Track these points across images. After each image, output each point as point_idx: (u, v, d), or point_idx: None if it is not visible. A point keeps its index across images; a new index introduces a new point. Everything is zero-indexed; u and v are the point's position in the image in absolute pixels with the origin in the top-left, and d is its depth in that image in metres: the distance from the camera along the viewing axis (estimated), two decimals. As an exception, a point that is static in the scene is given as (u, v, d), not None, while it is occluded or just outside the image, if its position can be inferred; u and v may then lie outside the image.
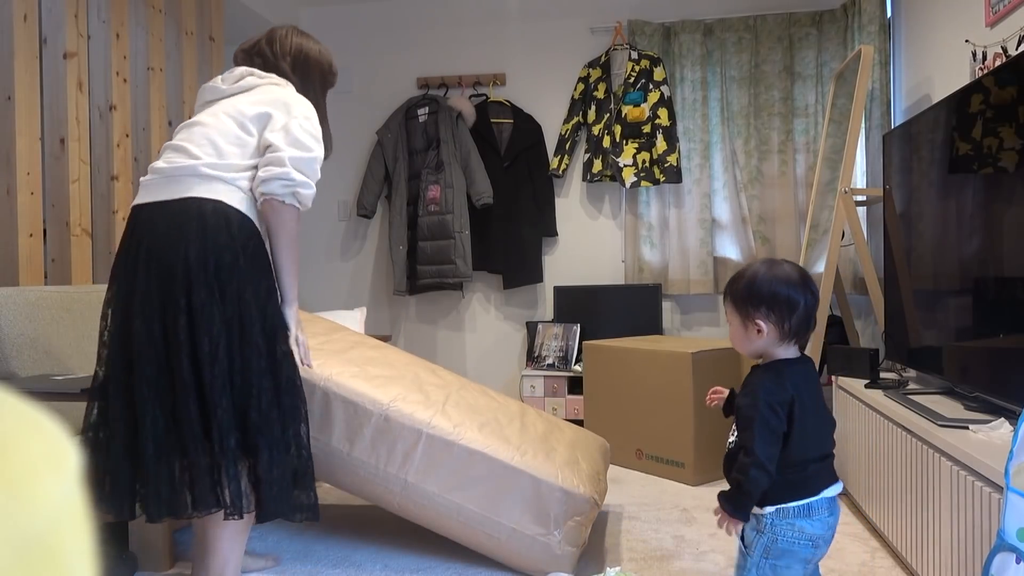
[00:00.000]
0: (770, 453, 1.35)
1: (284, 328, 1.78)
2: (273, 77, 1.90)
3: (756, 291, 1.40)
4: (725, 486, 1.45)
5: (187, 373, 1.62)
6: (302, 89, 1.94)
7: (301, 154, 1.74)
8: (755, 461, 1.34)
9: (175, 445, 1.64)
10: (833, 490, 1.41)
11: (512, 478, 2.09)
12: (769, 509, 1.38)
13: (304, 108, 1.82)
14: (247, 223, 1.73)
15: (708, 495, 2.81)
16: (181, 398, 1.62)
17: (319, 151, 1.79)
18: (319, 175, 1.81)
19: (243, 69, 1.91)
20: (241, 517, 1.68)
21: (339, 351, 2.30)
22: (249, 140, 1.76)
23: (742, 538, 1.44)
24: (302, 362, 1.83)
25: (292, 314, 1.82)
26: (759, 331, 1.40)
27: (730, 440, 1.47)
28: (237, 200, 1.72)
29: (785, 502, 1.38)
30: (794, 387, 1.38)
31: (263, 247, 1.77)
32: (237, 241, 1.68)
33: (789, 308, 1.39)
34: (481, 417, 2.27)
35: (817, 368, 3.20)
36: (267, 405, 1.68)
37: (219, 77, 1.92)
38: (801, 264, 3.56)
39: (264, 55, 1.95)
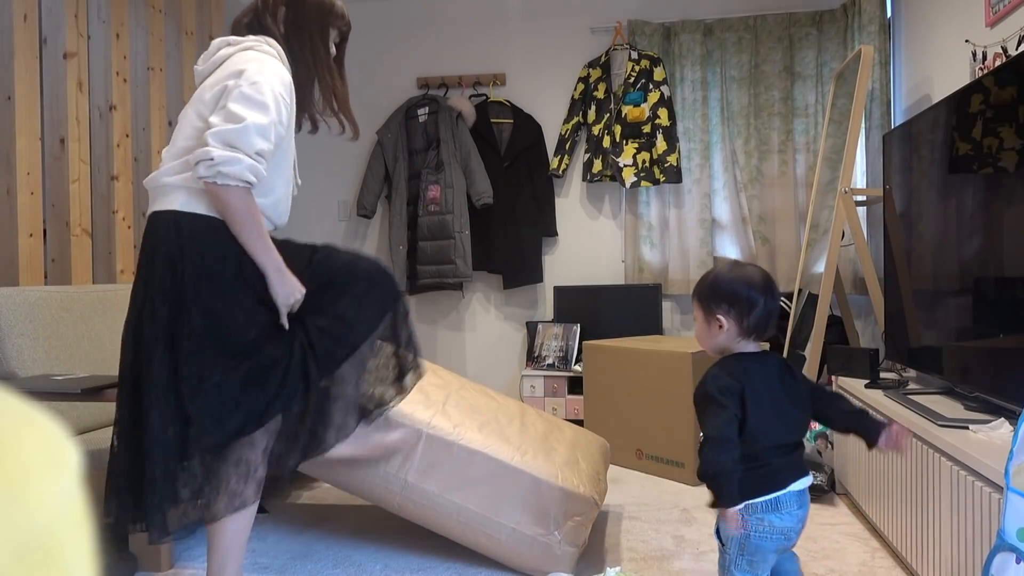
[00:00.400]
0: (727, 435, 1.38)
1: (192, 329, 1.65)
2: (249, 40, 1.74)
3: (719, 289, 1.49)
4: None
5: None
6: (295, 42, 1.79)
7: (228, 126, 1.58)
8: (706, 437, 1.39)
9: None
10: (801, 483, 1.45)
11: (512, 478, 2.09)
12: (739, 505, 1.41)
13: (256, 69, 1.64)
14: (199, 222, 1.66)
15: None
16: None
17: (257, 117, 1.60)
18: (261, 143, 1.61)
19: (218, 41, 1.78)
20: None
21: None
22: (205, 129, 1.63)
23: (718, 534, 1.49)
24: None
25: (275, 283, 1.70)
26: (720, 326, 1.48)
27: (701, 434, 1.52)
28: (191, 203, 1.66)
29: (753, 497, 1.41)
30: (744, 375, 1.43)
31: (216, 242, 1.67)
32: (186, 249, 1.64)
33: (749, 306, 1.46)
34: (481, 417, 2.27)
35: (817, 368, 3.21)
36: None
37: (200, 57, 1.81)
38: (801, 264, 3.56)
39: (256, 9, 1.83)
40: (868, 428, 1.52)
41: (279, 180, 1.81)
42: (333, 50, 1.88)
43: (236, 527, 1.74)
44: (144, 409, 1.65)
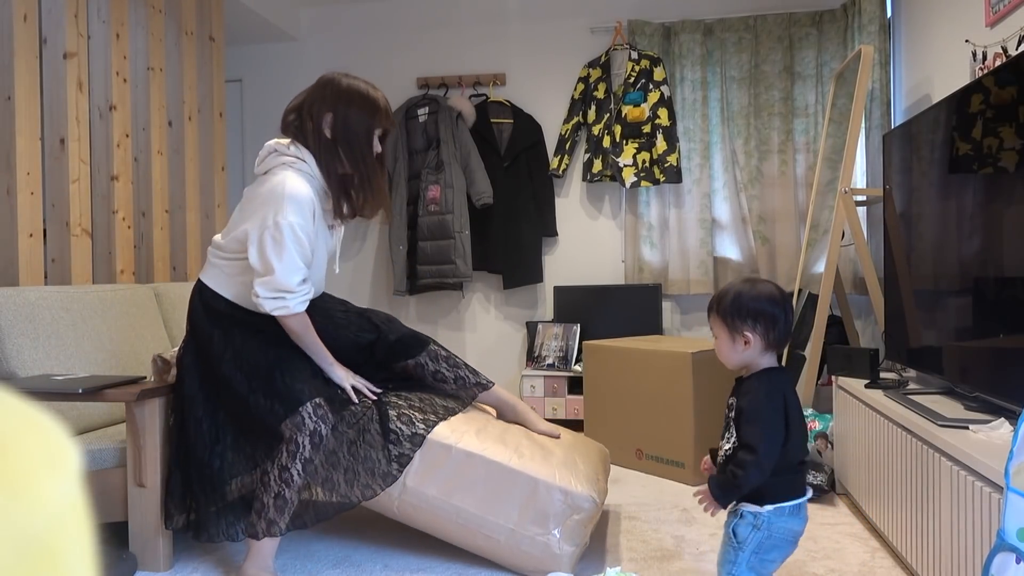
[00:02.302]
0: (773, 456, 1.46)
1: (188, 377, 2.13)
2: (289, 155, 2.04)
3: (743, 306, 1.54)
4: None
5: None
6: (341, 144, 2.03)
7: (265, 277, 1.98)
8: (758, 461, 1.45)
9: None
10: (810, 490, 1.56)
11: (509, 479, 2.09)
12: (768, 508, 1.49)
13: (278, 213, 1.94)
14: (218, 298, 2.11)
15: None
16: None
17: (283, 262, 1.96)
18: (295, 276, 1.99)
19: (268, 146, 2.08)
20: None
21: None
22: (237, 238, 2.06)
23: (735, 533, 1.51)
24: (367, 393, 2.16)
25: (333, 374, 2.12)
26: (747, 342, 1.53)
27: (726, 447, 1.55)
28: (217, 280, 2.12)
29: (783, 501, 1.49)
30: (785, 394, 1.52)
31: (220, 315, 2.11)
32: (197, 311, 2.13)
33: (772, 321, 1.53)
34: (478, 423, 2.28)
35: (817, 368, 3.21)
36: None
37: (261, 151, 2.12)
38: (801, 264, 3.56)
39: (301, 112, 2.06)
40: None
41: (313, 269, 2.14)
42: (378, 147, 2.08)
43: None
44: None
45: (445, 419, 2.19)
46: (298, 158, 2.03)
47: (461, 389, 2.33)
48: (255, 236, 1.98)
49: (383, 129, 2.06)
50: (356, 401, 2.12)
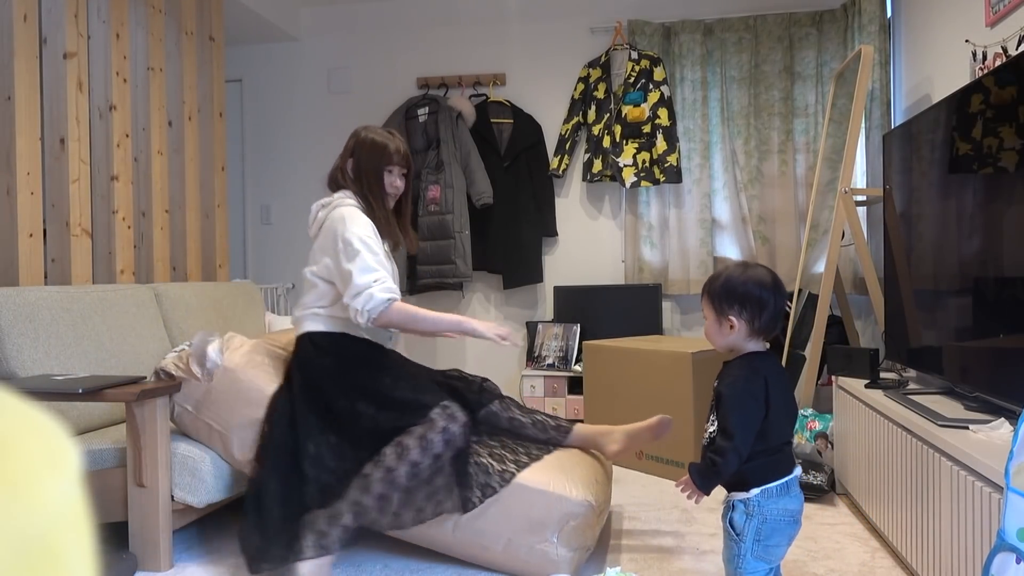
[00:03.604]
0: (749, 440, 1.48)
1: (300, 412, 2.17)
2: (334, 198, 2.26)
3: (731, 290, 1.54)
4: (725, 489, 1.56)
5: None
6: (363, 182, 2.26)
7: (348, 288, 2.11)
8: (734, 447, 1.47)
9: None
10: (798, 469, 1.56)
11: (503, 488, 2.10)
12: (755, 492, 1.50)
13: (342, 228, 2.15)
14: (324, 336, 2.22)
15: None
16: None
17: (356, 264, 2.11)
18: (370, 274, 2.11)
19: (315, 206, 2.30)
20: None
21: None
22: (318, 282, 2.23)
23: (732, 526, 1.52)
24: (500, 339, 2.20)
25: (472, 328, 2.18)
26: (731, 326, 1.54)
27: (710, 430, 1.57)
28: (316, 324, 2.24)
29: (768, 483, 1.50)
30: (767, 377, 1.51)
31: (336, 347, 2.21)
32: (306, 357, 2.22)
33: (760, 307, 1.52)
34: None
35: (817, 368, 3.21)
36: None
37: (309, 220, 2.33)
38: (801, 264, 3.56)
39: (335, 165, 2.33)
40: None
41: None
42: (398, 182, 2.31)
43: None
44: None
45: (538, 460, 2.22)
46: (342, 197, 2.26)
47: (541, 432, 2.36)
48: (332, 262, 2.17)
49: (394, 166, 2.28)
50: (507, 341, 2.18)
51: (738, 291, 1.53)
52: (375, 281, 2.11)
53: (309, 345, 2.22)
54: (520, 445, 2.29)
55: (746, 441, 1.47)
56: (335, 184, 2.33)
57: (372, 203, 2.26)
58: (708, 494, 1.54)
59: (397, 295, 2.16)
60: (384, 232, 2.27)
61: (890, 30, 3.66)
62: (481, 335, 2.18)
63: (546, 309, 4.36)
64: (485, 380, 2.44)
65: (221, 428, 2.24)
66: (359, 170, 2.28)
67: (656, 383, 3.11)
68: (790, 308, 3.49)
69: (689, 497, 1.55)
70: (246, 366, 2.29)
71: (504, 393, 2.44)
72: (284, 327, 3.27)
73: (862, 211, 3.72)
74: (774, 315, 1.53)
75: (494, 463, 2.14)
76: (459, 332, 2.20)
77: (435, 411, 2.04)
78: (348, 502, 1.96)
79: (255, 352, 2.35)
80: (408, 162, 2.32)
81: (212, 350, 2.26)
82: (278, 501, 2.03)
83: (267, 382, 2.26)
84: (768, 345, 1.61)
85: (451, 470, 2.05)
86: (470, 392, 2.36)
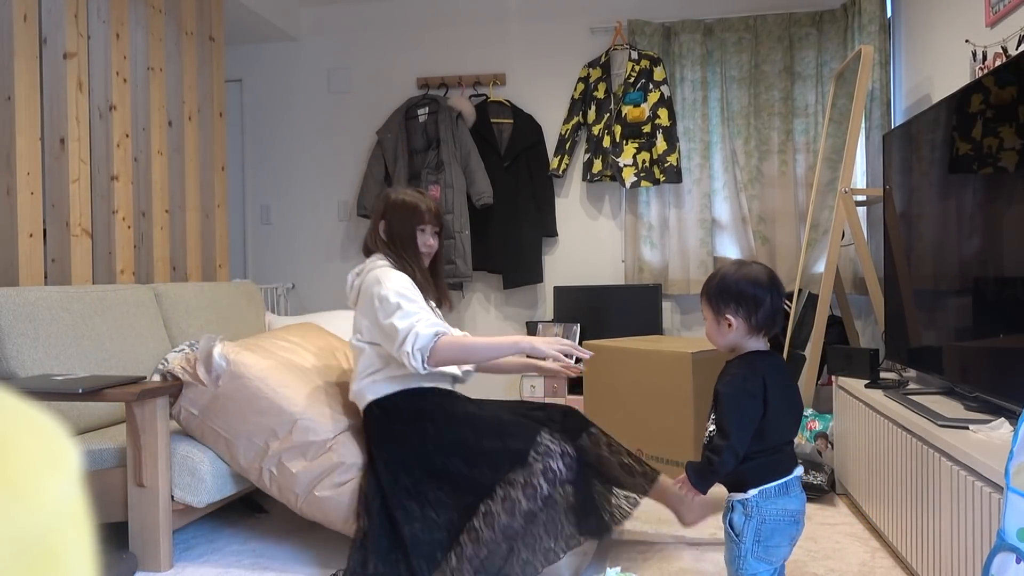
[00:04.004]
0: (745, 440, 1.48)
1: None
2: (366, 264, 2.26)
3: (726, 289, 1.54)
4: (724, 488, 1.55)
5: None
6: (397, 242, 2.24)
7: (392, 342, 2.05)
8: (730, 445, 1.46)
9: None
10: (799, 468, 1.56)
11: None
12: (753, 492, 1.49)
13: (378, 290, 2.11)
14: (392, 399, 2.15)
15: (708, 494, 2.81)
16: None
17: (398, 313, 2.05)
18: (409, 318, 2.04)
19: (351, 276, 2.30)
20: None
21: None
22: (364, 347, 2.19)
23: (731, 527, 1.51)
24: (580, 352, 2.10)
25: (531, 347, 2.08)
26: (729, 325, 1.54)
27: (710, 429, 1.56)
28: (377, 390, 2.16)
29: (767, 483, 1.49)
30: (766, 377, 1.51)
31: (405, 407, 2.14)
32: (381, 427, 2.15)
33: (756, 304, 1.52)
34: None
35: (817, 368, 3.21)
36: None
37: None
38: (801, 264, 3.56)
39: (369, 231, 2.34)
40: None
41: None
42: (432, 241, 2.29)
43: None
44: None
45: (636, 506, 2.20)
46: (374, 260, 2.25)
47: (628, 475, 2.26)
48: (371, 324, 2.13)
49: (426, 225, 2.27)
50: (569, 367, 2.13)
51: (733, 289, 1.53)
52: (417, 321, 2.04)
53: (377, 413, 2.16)
54: (607, 489, 2.19)
55: (742, 440, 1.47)
56: (368, 250, 2.33)
57: (408, 263, 2.23)
58: (704, 493, 1.54)
59: (445, 329, 2.08)
60: (424, 290, 2.23)
61: (890, 30, 3.66)
62: (542, 354, 2.06)
63: (546, 309, 4.36)
64: (569, 410, 2.32)
65: (228, 435, 2.24)
66: (391, 232, 2.26)
67: (656, 383, 3.11)
68: (790, 308, 3.49)
69: (686, 495, 1.55)
70: (254, 373, 2.28)
71: (590, 421, 2.32)
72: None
73: (862, 211, 3.71)
74: (771, 312, 1.53)
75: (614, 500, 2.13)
76: (518, 353, 2.10)
77: (531, 455, 1.94)
78: (466, 565, 1.87)
79: (262, 357, 2.35)
80: (440, 220, 2.30)
81: (217, 354, 2.26)
82: None
83: (273, 389, 2.26)
84: (768, 344, 1.61)
85: (573, 501, 1.95)
86: (551, 422, 2.22)
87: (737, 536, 1.50)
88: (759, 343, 1.56)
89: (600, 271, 4.30)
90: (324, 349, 2.63)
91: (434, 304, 2.31)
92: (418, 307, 2.10)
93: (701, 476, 1.52)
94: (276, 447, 2.20)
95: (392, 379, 2.16)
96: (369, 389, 2.18)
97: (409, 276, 2.20)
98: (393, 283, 2.12)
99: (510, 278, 4.23)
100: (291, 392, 2.26)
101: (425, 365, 2.03)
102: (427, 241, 2.27)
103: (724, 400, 1.51)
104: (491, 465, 1.97)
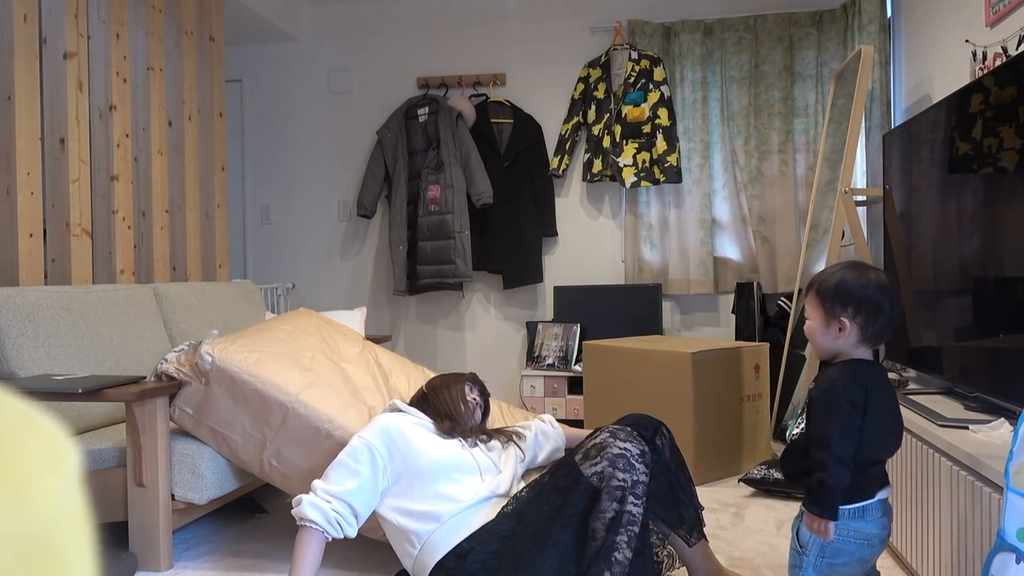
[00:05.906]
0: (848, 447, 1.35)
1: None
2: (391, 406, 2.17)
3: (847, 291, 1.42)
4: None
5: None
6: (448, 413, 2.14)
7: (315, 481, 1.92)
8: (835, 455, 1.34)
9: None
10: (885, 492, 1.43)
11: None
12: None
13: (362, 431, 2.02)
14: (448, 560, 1.87)
15: (708, 495, 2.81)
16: None
17: (335, 464, 1.91)
18: (342, 480, 1.88)
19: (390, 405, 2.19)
20: None
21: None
22: (389, 520, 2.00)
23: (797, 537, 1.44)
24: None
25: None
26: (841, 329, 1.42)
27: (795, 431, 1.47)
28: (429, 554, 1.90)
29: (846, 504, 1.39)
30: (868, 387, 1.40)
31: (465, 558, 1.86)
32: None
33: (877, 312, 1.41)
34: None
35: (817, 368, 3.21)
36: None
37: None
38: (801, 264, 3.56)
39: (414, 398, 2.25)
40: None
41: (438, 503, 1.95)
42: (477, 396, 2.21)
43: None
44: None
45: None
46: (395, 405, 2.14)
47: (684, 511, 2.01)
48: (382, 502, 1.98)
49: (471, 383, 2.22)
50: None
51: (857, 293, 1.41)
52: (320, 495, 1.85)
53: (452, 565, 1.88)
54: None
55: (845, 447, 1.34)
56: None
57: (458, 423, 2.10)
58: (834, 517, 1.36)
59: (320, 526, 1.82)
60: (471, 433, 2.10)
61: (890, 30, 3.66)
62: None
63: (546, 309, 4.36)
64: (640, 417, 2.07)
65: (225, 431, 2.23)
66: (438, 409, 2.13)
67: (656, 383, 3.11)
68: (790, 308, 3.49)
69: (823, 534, 1.37)
70: (240, 366, 2.25)
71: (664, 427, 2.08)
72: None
73: (862, 211, 3.71)
74: (889, 322, 1.42)
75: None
76: None
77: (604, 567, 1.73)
78: None
79: (249, 349, 2.31)
80: (482, 384, 2.24)
81: (203, 351, 2.24)
82: None
83: (261, 380, 2.23)
84: (875, 355, 1.48)
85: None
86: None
87: (802, 547, 1.43)
88: (865, 352, 1.45)
89: (600, 271, 4.30)
90: (318, 329, 2.61)
91: (466, 440, 2.11)
92: (339, 478, 1.89)
93: (821, 502, 1.35)
94: (272, 437, 2.19)
95: (433, 544, 1.90)
96: (418, 560, 1.92)
97: (463, 435, 2.07)
98: (369, 431, 1.97)
99: (510, 278, 4.23)
100: (281, 381, 2.22)
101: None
102: (475, 397, 2.21)
103: (821, 406, 1.39)
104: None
